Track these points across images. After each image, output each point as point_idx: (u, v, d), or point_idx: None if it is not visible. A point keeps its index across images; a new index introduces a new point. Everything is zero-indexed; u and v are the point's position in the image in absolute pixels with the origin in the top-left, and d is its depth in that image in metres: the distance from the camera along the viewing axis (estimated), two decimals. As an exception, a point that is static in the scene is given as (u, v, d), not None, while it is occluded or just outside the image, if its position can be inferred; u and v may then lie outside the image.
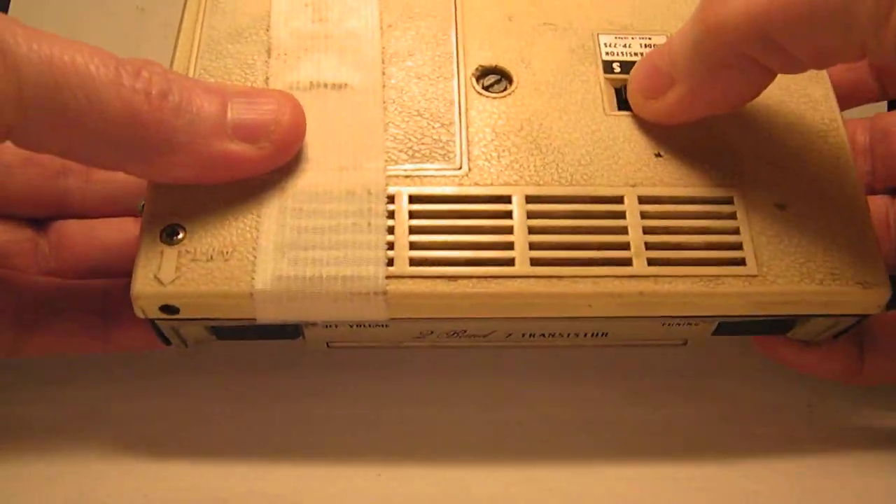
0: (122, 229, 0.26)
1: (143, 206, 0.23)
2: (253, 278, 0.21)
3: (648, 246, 0.22)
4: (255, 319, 0.22)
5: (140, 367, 0.28)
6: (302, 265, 0.21)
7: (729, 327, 0.24)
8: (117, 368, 0.28)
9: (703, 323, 0.24)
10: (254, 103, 0.22)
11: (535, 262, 0.22)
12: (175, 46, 0.24)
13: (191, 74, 0.24)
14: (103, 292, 0.25)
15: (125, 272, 0.25)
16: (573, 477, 0.26)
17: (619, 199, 0.23)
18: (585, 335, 0.24)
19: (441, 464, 0.25)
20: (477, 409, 0.27)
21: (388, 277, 0.21)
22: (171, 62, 0.24)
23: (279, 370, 0.28)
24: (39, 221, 0.26)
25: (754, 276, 0.22)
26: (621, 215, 0.22)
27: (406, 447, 0.26)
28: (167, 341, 0.23)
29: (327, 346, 0.25)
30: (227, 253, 0.21)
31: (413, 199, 0.22)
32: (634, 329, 0.24)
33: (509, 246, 0.22)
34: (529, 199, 0.22)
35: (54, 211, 0.26)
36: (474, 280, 0.21)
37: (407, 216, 0.22)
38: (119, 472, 0.25)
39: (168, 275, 0.21)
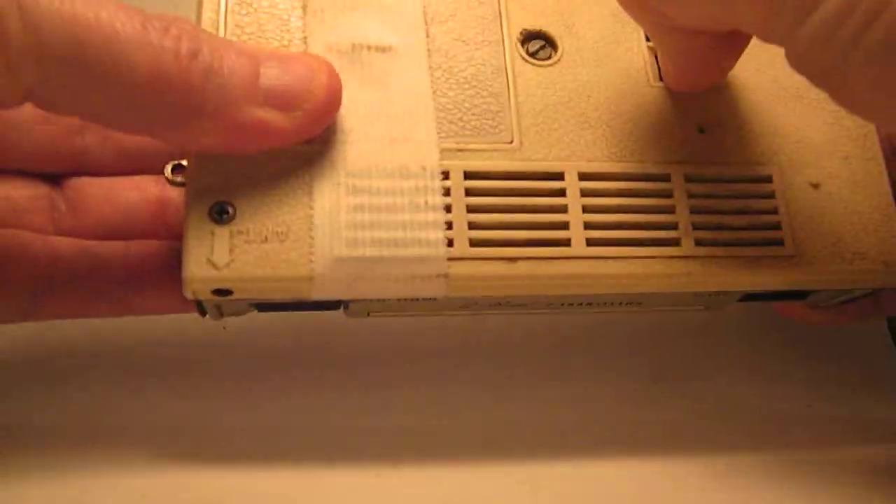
0: (141, 188, 0.24)
1: (174, 168, 0.22)
2: (311, 261, 0.20)
3: (695, 226, 0.23)
4: (307, 299, 0.21)
5: (140, 368, 0.27)
6: (361, 246, 0.21)
7: (752, 297, 0.25)
8: (118, 369, 0.27)
9: (733, 294, 0.25)
10: (288, 69, 0.20)
11: (590, 242, 0.22)
12: (200, 1, 0.22)
13: (220, 32, 0.22)
14: (122, 255, 0.24)
15: (143, 233, 0.24)
16: (573, 476, 0.25)
17: (666, 177, 0.23)
18: (620, 304, 0.25)
19: (441, 464, 0.25)
20: (475, 409, 0.27)
21: (449, 259, 0.21)
22: (199, 16, 0.22)
23: (279, 371, 0.28)
24: (55, 178, 0.24)
25: (791, 256, 0.23)
26: (669, 193, 0.23)
27: (405, 447, 0.26)
28: (203, 313, 0.23)
29: (368, 314, 0.24)
30: (281, 234, 0.21)
31: (468, 176, 0.22)
32: (666, 298, 0.25)
33: (565, 226, 0.22)
34: (582, 177, 0.22)
35: (71, 167, 0.25)
36: (534, 262, 0.21)
37: (463, 193, 0.22)
38: (119, 473, 0.24)
39: (222, 257, 0.20)
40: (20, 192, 0.24)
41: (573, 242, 0.22)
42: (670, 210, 0.23)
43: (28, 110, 0.20)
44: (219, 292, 0.20)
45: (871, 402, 0.29)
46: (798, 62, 0.18)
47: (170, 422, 0.26)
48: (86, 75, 0.17)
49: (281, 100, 0.20)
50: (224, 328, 0.28)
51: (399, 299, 0.23)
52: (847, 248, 0.23)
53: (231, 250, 0.20)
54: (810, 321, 0.27)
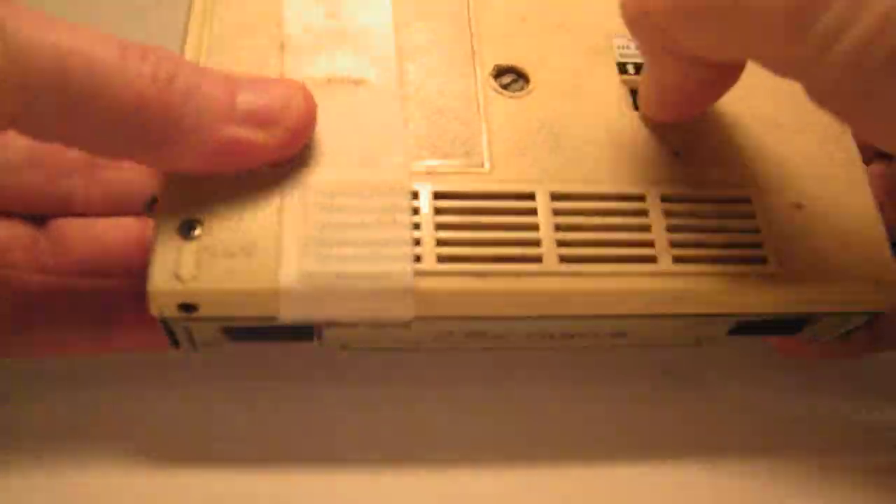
0: (123, 227, 0.25)
1: (152, 202, 0.22)
2: (277, 275, 0.20)
3: (673, 244, 0.22)
4: (276, 318, 0.21)
5: (139, 370, 0.27)
6: (328, 262, 0.21)
7: (743, 329, 0.24)
8: (117, 371, 0.27)
9: (721, 322, 0.24)
10: (263, 90, 0.21)
11: (563, 259, 0.21)
12: (184, 41, 0.23)
13: None
14: (102, 293, 0.24)
15: (124, 272, 0.25)
16: (572, 477, 0.25)
17: (641, 197, 0.23)
18: (604, 336, 0.24)
19: (440, 464, 0.25)
20: (475, 409, 0.27)
21: (416, 274, 0.21)
22: (181, 53, 0.23)
23: (279, 373, 0.28)
24: (39, 218, 0.25)
25: (774, 274, 0.22)
26: (644, 212, 0.22)
27: (404, 448, 0.26)
28: (176, 342, 0.23)
29: (343, 348, 0.24)
30: (249, 249, 0.21)
31: (438, 196, 0.22)
32: (652, 328, 0.24)
33: (536, 243, 0.22)
34: (554, 197, 0.22)
35: (56, 210, 0.25)
36: (504, 277, 0.21)
37: (432, 212, 0.22)
38: (118, 473, 0.24)
39: (188, 271, 0.20)
40: (4, 232, 0.24)
41: (545, 259, 0.21)
42: (646, 228, 0.22)
43: (13, 152, 0.21)
44: (185, 308, 0.20)
45: (873, 401, 0.28)
46: (822, 93, 0.18)
47: (168, 424, 0.26)
48: (67, 101, 0.18)
49: (258, 118, 0.21)
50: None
51: (372, 326, 0.22)
52: (835, 266, 0.22)
53: (198, 265, 0.20)
54: (809, 355, 0.26)
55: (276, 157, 0.21)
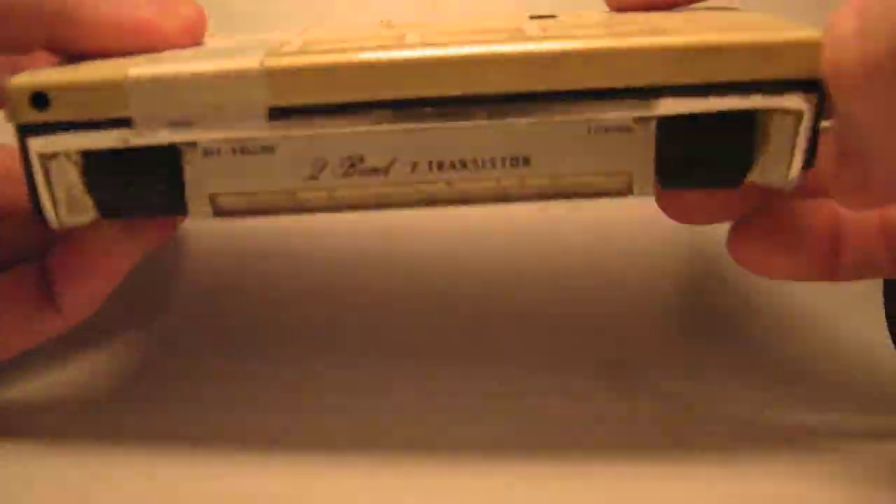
0: None
1: None
2: (129, 67, 0.20)
3: (546, 35, 0.21)
4: (130, 122, 0.20)
5: (137, 370, 0.29)
6: (184, 62, 0.21)
7: (673, 165, 0.21)
8: (114, 370, 0.29)
9: (637, 129, 0.20)
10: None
11: (426, 43, 0.21)
12: None
13: None
14: (39, 269, 0.24)
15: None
16: (570, 476, 0.24)
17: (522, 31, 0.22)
18: (504, 164, 0.21)
19: (439, 463, 0.25)
20: (474, 410, 0.27)
21: (270, 55, 0.20)
22: None
23: (276, 371, 0.29)
24: None
25: (668, 34, 0.20)
26: (521, 35, 0.22)
27: (402, 447, 0.25)
28: (38, 208, 0.21)
29: (213, 211, 0.21)
30: (109, 62, 0.21)
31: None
32: (559, 150, 0.21)
33: (402, 37, 0.21)
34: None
35: None
36: (363, 51, 0.20)
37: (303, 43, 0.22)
38: (116, 473, 0.24)
39: (47, 72, 0.21)
40: None
41: (408, 42, 0.21)
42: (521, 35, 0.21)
43: None
44: (37, 102, 0.20)
45: (872, 403, 0.27)
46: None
47: (167, 423, 0.27)
48: None
49: (158, 8, 0.23)
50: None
51: (234, 152, 0.21)
52: (742, 26, 0.21)
53: (58, 69, 0.21)
54: (773, 266, 0.23)
55: (176, 42, 0.23)
